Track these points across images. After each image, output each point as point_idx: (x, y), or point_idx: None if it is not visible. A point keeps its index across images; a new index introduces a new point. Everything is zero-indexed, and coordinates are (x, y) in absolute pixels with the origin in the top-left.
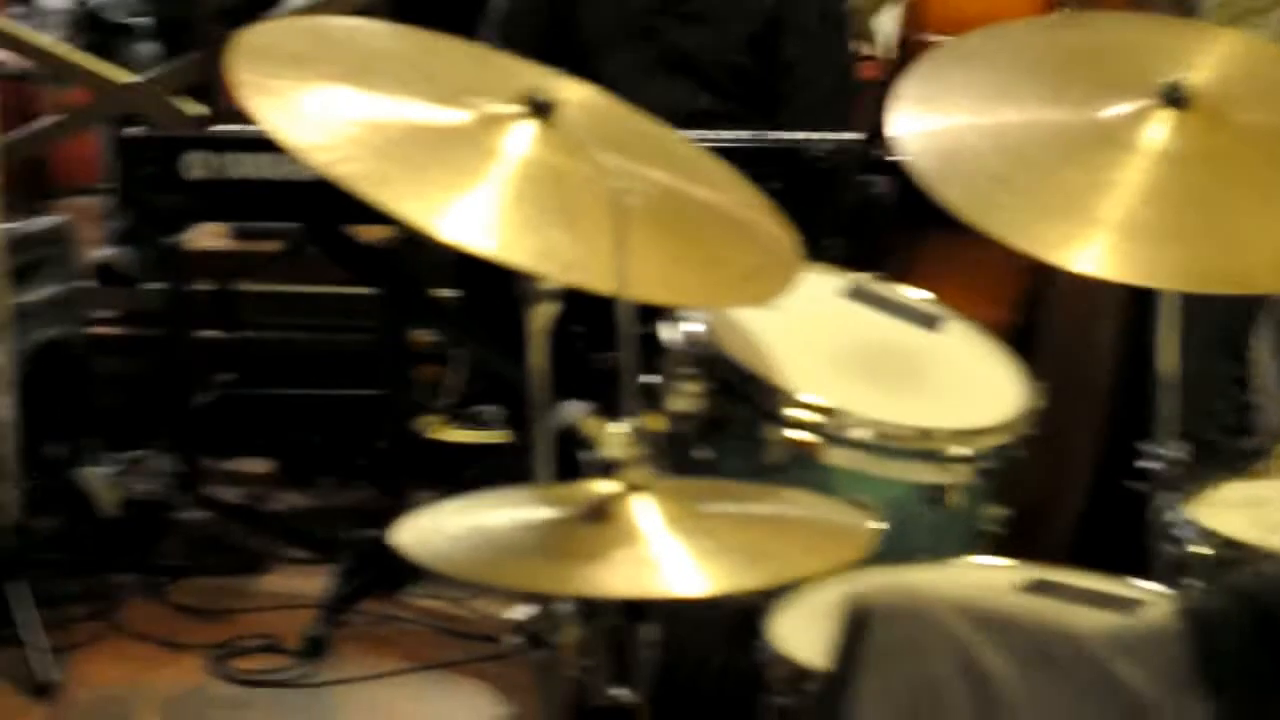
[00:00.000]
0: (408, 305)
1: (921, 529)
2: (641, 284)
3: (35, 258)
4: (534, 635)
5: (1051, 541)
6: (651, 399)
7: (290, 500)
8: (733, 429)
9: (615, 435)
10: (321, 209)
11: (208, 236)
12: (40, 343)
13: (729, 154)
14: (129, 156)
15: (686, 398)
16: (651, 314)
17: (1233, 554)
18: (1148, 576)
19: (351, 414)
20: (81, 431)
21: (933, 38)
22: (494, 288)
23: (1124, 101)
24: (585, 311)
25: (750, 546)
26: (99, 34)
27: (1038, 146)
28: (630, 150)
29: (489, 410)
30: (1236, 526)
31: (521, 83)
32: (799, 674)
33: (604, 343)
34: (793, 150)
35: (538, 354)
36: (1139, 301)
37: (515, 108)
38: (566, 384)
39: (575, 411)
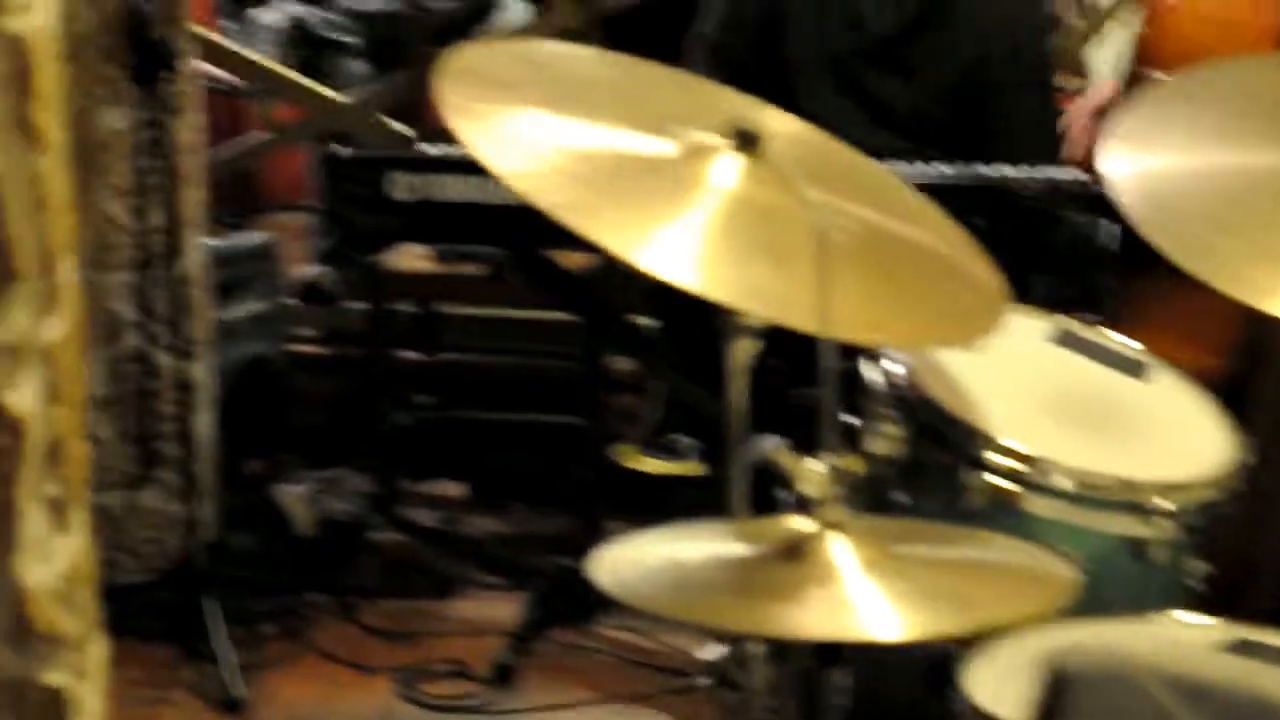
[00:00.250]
0: (607, 333)
1: (1122, 582)
2: (844, 323)
3: (241, 274)
4: (724, 675)
5: (1257, 601)
6: (850, 440)
7: (483, 525)
8: (931, 473)
9: (812, 472)
10: (523, 233)
11: (410, 258)
12: (242, 360)
13: (934, 190)
14: (335, 175)
15: (886, 440)
16: (852, 351)
17: None
18: None
19: (547, 440)
20: (279, 449)
21: (1162, 76)
22: (692, 319)
23: None
24: (785, 345)
25: (947, 591)
26: (310, 50)
27: (1256, 189)
28: (835, 185)
29: (684, 441)
30: None
31: (727, 113)
32: None
33: (803, 378)
34: (1000, 188)
35: (737, 391)
36: None
37: (721, 139)
38: (763, 419)
39: (771, 447)
